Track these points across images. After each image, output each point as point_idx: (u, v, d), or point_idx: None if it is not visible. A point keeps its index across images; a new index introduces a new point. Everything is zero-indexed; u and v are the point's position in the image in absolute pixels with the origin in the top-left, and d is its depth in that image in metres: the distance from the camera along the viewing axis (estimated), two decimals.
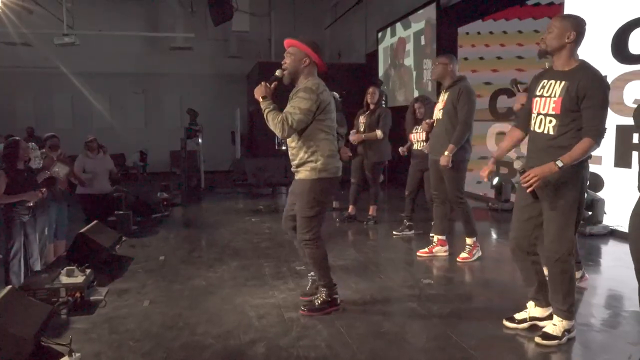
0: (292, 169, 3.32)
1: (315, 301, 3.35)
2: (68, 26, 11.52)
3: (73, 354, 2.64)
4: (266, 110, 3.15)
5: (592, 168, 2.83)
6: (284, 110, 3.13)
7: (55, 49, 12.47)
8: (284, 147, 14.00)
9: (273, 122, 3.11)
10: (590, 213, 5.53)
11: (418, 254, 4.76)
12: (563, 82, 2.71)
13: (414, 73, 10.91)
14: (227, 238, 5.68)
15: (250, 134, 15.17)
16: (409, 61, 11.23)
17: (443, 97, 4.51)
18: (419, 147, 5.43)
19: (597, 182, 5.70)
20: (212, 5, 11.64)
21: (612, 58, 5.54)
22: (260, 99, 3.19)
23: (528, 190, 2.73)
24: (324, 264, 3.35)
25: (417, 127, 5.47)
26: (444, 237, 4.74)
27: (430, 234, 4.88)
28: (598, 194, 5.65)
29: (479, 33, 8.29)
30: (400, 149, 5.68)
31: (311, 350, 2.79)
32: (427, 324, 3.17)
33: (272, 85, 3.23)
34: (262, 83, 3.22)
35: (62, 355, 2.64)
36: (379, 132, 6.12)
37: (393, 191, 9.63)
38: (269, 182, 10.38)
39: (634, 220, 2.60)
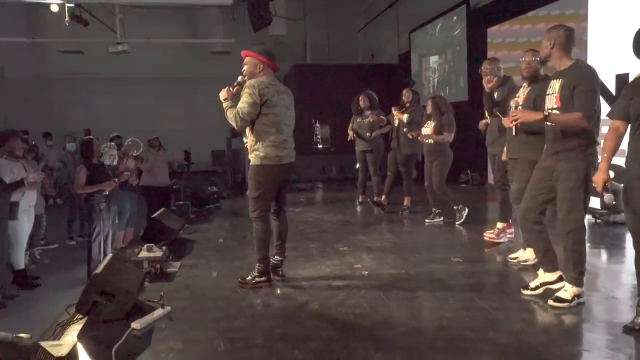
0: None
1: (249, 275, 3.86)
2: (120, 35, 12.40)
3: (164, 307, 3.28)
4: (226, 108, 3.76)
5: (616, 160, 3.29)
6: (237, 106, 3.74)
7: (104, 56, 13.43)
8: (320, 146, 14.65)
9: (231, 117, 3.71)
10: (614, 202, 5.87)
11: (485, 234, 5.18)
12: (560, 80, 3.26)
13: (450, 71, 11.30)
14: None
15: None
16: (441, 60, 11.65)
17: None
18: (426, 141, 6.01)
19: (622, 173, 6.03)
20: (251, 12, 12.33)
21: (633, 57, 5.90)
22: (222, 100, 3.84)
23: (511, 125, 3.39)
24: (264, 240, 3.85)
25: (429, 122, 5.99)
26: (504, 225, 5.11)
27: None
28: (622, 185, 5.99)
29: (507, 31, 8.68)
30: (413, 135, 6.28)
31: (355, 308, 3.36)
32: (454, 291, 3.69)
33: (234, 90, 3.85)
34: (226, 87, 3.85)
35: (155, 308, 3.29)
36: (405, 116, 6.70)
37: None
38: (307, 178, 11.02)
39: (623, 197, 3.09)
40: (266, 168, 3.76)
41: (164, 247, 4.39)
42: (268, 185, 3.81)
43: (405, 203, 7.02)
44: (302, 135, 13.89)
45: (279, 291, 3.75)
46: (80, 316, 3.12)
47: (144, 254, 4.24)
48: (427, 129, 5.98)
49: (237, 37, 14.97)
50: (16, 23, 15.61)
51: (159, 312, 3.18)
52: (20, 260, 5.43)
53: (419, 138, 6.18)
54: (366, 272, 4.18)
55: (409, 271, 4.22)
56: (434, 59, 11.98)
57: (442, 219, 6.13)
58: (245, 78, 3.84)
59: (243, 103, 3.69)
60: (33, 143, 7.50)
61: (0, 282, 4.99)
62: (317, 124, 14.67)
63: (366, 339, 2.87)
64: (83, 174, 5.47)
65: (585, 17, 6.72)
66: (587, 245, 5.05)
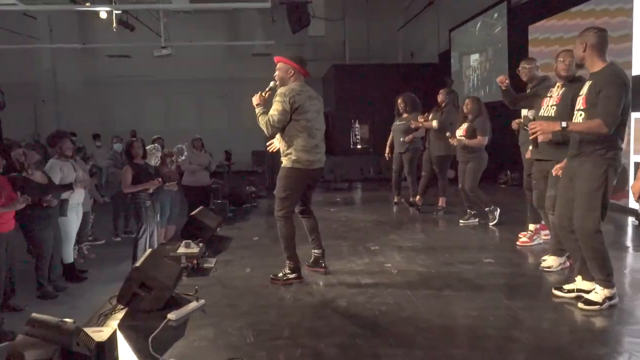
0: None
1: (281, 272, 3.97)
2: (165, 39, 12.85)
3: (199, 300, 3.45)
4: (258, 114, 3.90)
5: None
6: (268, 113, 3.86)
7: (150, 59, 13.93)
8: (358, 146, 14.69)
9: (262, 122, 3.84)
10: None
11: (518, 243, 5.04)
12: (590, 82, 3.25)
13: (489, 70, 11.15)
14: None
15: (326, 133, 15.93)
16: (480, 59, 11.49)
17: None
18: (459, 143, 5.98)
19: None
20: (290, 14, 12.54)
21: None
22: (255, 106, 3.96)
23: (531, 137, 3.41)
24: (289, 239, 3.98)
25: (464, 123, 5.95)
26: (537, 226, 5.06)
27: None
28: None
29: (549, 28, 8.50)
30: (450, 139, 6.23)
31: (382, 305, 3.44)
32: (483, 291, 3.71)
33: (267, 95, 3.97)
34: (259, 92, 3.98)
35: (190, 301, 3.46)
36: (434, 122, 6.67)
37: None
38: (345, 178, 11.11)
39: None
40: (297, 171, 3.89)
41: (200, 244, 4.58)
42: (296, 188, 3.94)
43: (440, 204, 7.00)
44: (341, 136, 14.09)
45: (308, 287, 3.86)
46: (122, 307, 3.33)
47: (182, 249, 4.44)
48: (461, 130, 5.96)
49: (277, 38, 15.22)
50: (69, 29, 16.42)
51: (193, 305, 3.36)
52: (70, 255, 5.77)
53: (450, 141, 6.16)
54: (395, 271, 4.24)
55: (438, 270, 4.25)
56: (474, 57, 11.82)
57: (477, 220, 6.09)
58: (277, 83, 3.97)
59: (274, 110, 3.82)
60: (80, 145, 7.88)
61: (52, 274, 5.34)
62: (357, 125, 14.74)
63: (390, 335, 2.94)
64: (129, 174, 5.76)
65: (630, 12, 6.52)
66: (630, 248, 4.99)
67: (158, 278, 3.32)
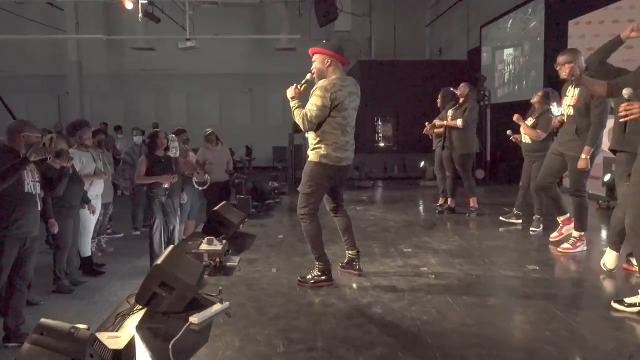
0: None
1: (310, 274, 3.69)
2: (189, 32, 12.68)
3: (223, 302, 3.19)
4: (293, 108, 3.61)
5: None
6: (305, 107, 3.55)
7: (174, 52, 13.81)
8: (381, 144, 14.36)
9: (298, 117, 3.54)
10: None
11: (559, 249, 4.67)
12: None
13: (522, 68, 10.73)
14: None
15: None
16: (513, 56, 11.07)
17: (573, 92, 4.50)
18: (526, 140, 5.55)
19: None
20: (317, 8, 12.23)
21: None
22: (290, 99, 3.67)
23: (622, 120, 3.03)
24: (316, 238, 3.69)
25: (531, 118, 5.57)
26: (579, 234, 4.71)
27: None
28: None
29: (588, 23, 8.06)
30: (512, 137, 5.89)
31: (423, 314, 3.12)
32: (532, 301, 3.37)
33: (302, 88, 3.67)
34: (294, 85, 3.67)
35: (213, 303, 3.20)
36: (459, 121, 6.30)
37: (497, 186, 9.63)
38: (370, 176, 10.79)
39: None
40: (324, 167, 3.61)
41: (223, 241, 4.32)
42: (322, 184, 3.67)
43: (471, 204, 6.61)
44: (364, 133, 13.76)
45: (340, 291, 3.56)
46: (140, 307, 3.09)
47: (204, 246, 4.18)
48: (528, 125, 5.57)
49: (303, 33, 14.97)
50: (95, 21, 16.41)
51: (217, 307, 3.10)
52: (87, 248, 5.58)
53: (512, 139, 5.82)
54: (432, 275, 3.92)
55: (479, 276, 3.92)
56: (508, 52, 11.39)
57: (520, 221, 5.73)
58: (314, 76, 3.68)
59: (312, 105, 3.52)
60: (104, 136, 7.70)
61: (68, 268, 5.15)
62: (379, 122, 14.40)
63: (436, 349, 2.63)
64: (143, 165, 5.55)
65: None
66: None
67: (180, 277, 3.06)
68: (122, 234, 7.52)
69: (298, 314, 3.14)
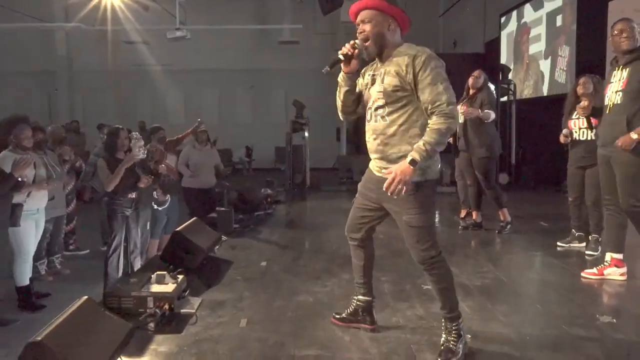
0: (377, 164, 2.57)
1: (451, 344, 2.46)
2: (181, 22, 11.61)
3: None
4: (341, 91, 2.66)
5: None
6: (427, 100, 2.35)
7: (170, 46, 12.79)
8: None
9: (443, 125, 2.31)
10: None
11: (583, 274, 3.70)
12: None
13: (548, 60, 9.53)
14: (335, 243, 4.96)
15: (355, 131, 14.56)
16: (537, 48, 9.88)
17: (621, 75, 3.44)
18: (581, 137, 4.34)
19: None
20: None
21: None
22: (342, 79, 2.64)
23: None
24: (453, 288, 2.53)
25: (575, 111, 4.34)
26: (620, 256, 3.63)
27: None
28: None
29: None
30: (562, 136, 4.50)
31: None
32: None
33: (355, 53, 2.50)
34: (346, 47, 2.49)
35: None
36: (489, 111, 5.07)
37: (523, 193, 8.35)
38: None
39: None
40: (434, 185, 2.49)
41: (179, 277, 3.18)
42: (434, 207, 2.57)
43: (502, 218, 5.39)
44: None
45: None
46: None
47: (152, 286, 3.06)
48: (580, 119, 4.30)
49: (305, 23, 13.89)
50: (84, 12, 15.43)
51: None
52: (24, 276, 4.43)
53: (563, 139, 4.53)
54: (469, 335, 2.71)
55: (535, 334, 2.75)
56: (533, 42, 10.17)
57: (584, 244, 4.50)
58: (368, 44, 2.46)
59: (441, 85, 2.37)
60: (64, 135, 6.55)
61: None
62: None
63: None
64: (105, 169, 4.43)
65: None
66: None
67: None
68: (87, 251, 6.39)
69: None
